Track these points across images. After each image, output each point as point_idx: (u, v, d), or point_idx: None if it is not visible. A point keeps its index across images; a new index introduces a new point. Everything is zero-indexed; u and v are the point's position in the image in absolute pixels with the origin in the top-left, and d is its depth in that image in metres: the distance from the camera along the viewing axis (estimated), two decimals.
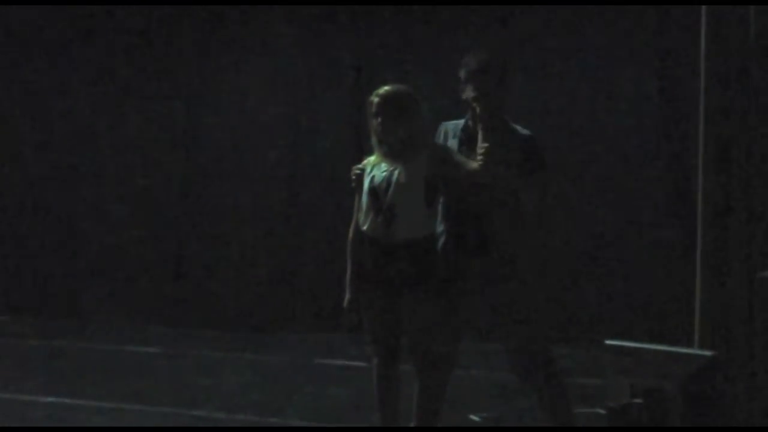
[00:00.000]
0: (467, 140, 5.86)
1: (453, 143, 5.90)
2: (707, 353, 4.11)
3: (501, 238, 5.81)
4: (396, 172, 5.72)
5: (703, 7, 5.17)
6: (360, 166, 5.87)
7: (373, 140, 5.82)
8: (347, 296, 5.84)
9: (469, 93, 5.79)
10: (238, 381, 8.39)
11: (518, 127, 5.90)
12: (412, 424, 5.89)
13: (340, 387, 8.10)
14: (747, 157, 5.06)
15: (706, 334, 4.91)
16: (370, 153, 5.87)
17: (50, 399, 7.73)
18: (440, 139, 5.95)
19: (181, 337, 10.27)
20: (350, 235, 5.86)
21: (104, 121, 11.25)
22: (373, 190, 5.74)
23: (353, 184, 5.86)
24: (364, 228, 5.77)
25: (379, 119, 5.74)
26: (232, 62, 10.85)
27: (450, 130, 5.96)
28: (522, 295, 5.85)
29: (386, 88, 5.83)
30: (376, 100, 5.77)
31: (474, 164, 5.66)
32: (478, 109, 5.73)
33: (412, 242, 5.70)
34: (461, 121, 5.92)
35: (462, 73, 5.86)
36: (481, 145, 5.65)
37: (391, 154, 5.77)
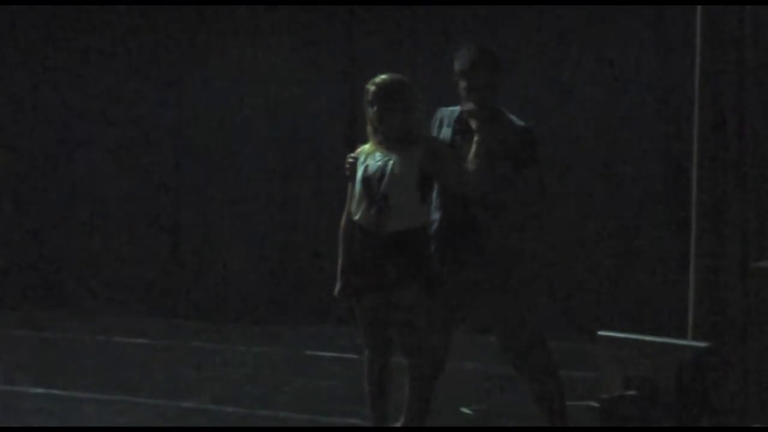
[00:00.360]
0: (461, 131, 5.83)
1: (447, 132, 5.87)
2: (701, 344, 4.09)
3: (495, 229, 5.78)
4: (390, 163, 5.69)
5: (699, 7, 5.15)
6: (354, 154, 5.84)
7: (369, 129, 5.79)
8: (338, 285, 5.81)
9: (466, 105, 5.78)
10: (228, 372, 8.37)
11: (514, 118, 5.87)
12: (400, 422, 5.86)
13: (331, 379, 8.07)
14: (741, 149, 5.04)
15: (700, 324, 4.89)
16: (364, 142, 5.83)
17: (40, 390, 7.69)
18: (435, 125, 5.92)
19: (171, 328, 10.25)
20: (342, 223, 5.83)
21: (97, 114, 11.22)
22: (367, 180, 5.70)
23: (347, 173, 5.82)
24: (356, 217, 5.73)
25: (375, 108, 5.71)
26: (224, 53, 10.82)
27: (446, 117, 5.93)
28: (516, 288, 5.82)
29: (383, 76, 5.79)
30: (372, 88, 5.74)
31: (464, 172, 5.65)
32: (473, 124, 5.73)
33: (404, 233, 5.67)
34: (457, 109, 5.90)
35: (455, 67, 5.84)
36: (474, 160, 5.64)
37: (386, 144, 5.73)
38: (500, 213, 5.77)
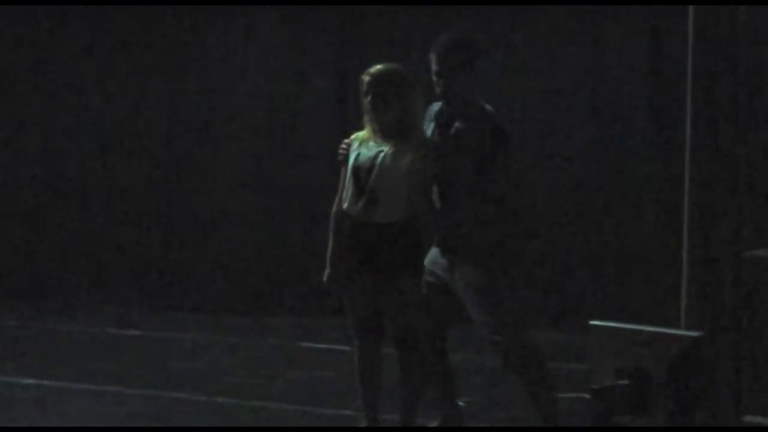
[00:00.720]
0: (440, 125, 5.83)
1: (431, 127, 5.86)
2: (694, 333, 4.09)
3: (470, 222, 5.76)
4: (381, 155, 5.68)
5: (691, 7, 5.14)
6: (347, 140, 5.81)
7: (365, 118, 5.76)
8: (328, 270, 5.80)
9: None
10: (220, 364, 8.35)
11: (486, 106, 5.83)
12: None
13: (323, 370, 8.06)
14: (733, 138, 5.03)
15: (692, 313, 4.88)
16: (358, 130, 5.81)
17: (30, 381, 7.68)
18: (427, 120, 5.90)
19: (163, 319, 10.21)
20: (334, 209, 5.81)
21: (86, 103, 11.18)
22: (356, 169, 5.69)
23: (340, 158, 5.80)
24: (345, 206, 5.72)
25: (370, 98, 5.68)
26: (216, 42, 10.79)
27: (434, 112, 5.92)
28: (488, 280, 5.77)
29: (378, 66, 5.77)
30: (367, 78, 5.72)
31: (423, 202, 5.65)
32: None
33: (391, 225, 5.66)
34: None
35: (429, 55, 5.82)
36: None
37: (380, 134, 5.72)
38: (472, 208, 5.74)
